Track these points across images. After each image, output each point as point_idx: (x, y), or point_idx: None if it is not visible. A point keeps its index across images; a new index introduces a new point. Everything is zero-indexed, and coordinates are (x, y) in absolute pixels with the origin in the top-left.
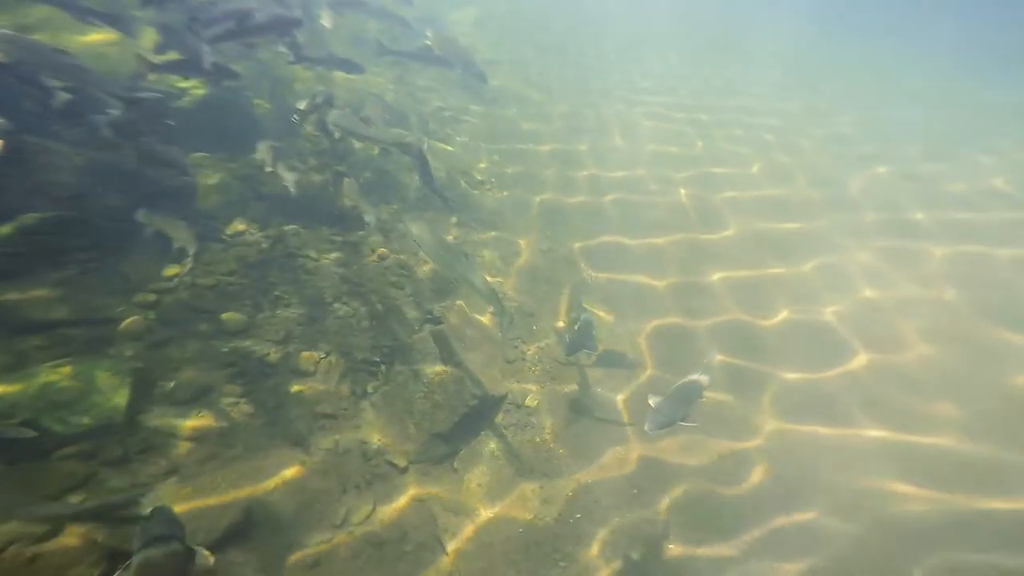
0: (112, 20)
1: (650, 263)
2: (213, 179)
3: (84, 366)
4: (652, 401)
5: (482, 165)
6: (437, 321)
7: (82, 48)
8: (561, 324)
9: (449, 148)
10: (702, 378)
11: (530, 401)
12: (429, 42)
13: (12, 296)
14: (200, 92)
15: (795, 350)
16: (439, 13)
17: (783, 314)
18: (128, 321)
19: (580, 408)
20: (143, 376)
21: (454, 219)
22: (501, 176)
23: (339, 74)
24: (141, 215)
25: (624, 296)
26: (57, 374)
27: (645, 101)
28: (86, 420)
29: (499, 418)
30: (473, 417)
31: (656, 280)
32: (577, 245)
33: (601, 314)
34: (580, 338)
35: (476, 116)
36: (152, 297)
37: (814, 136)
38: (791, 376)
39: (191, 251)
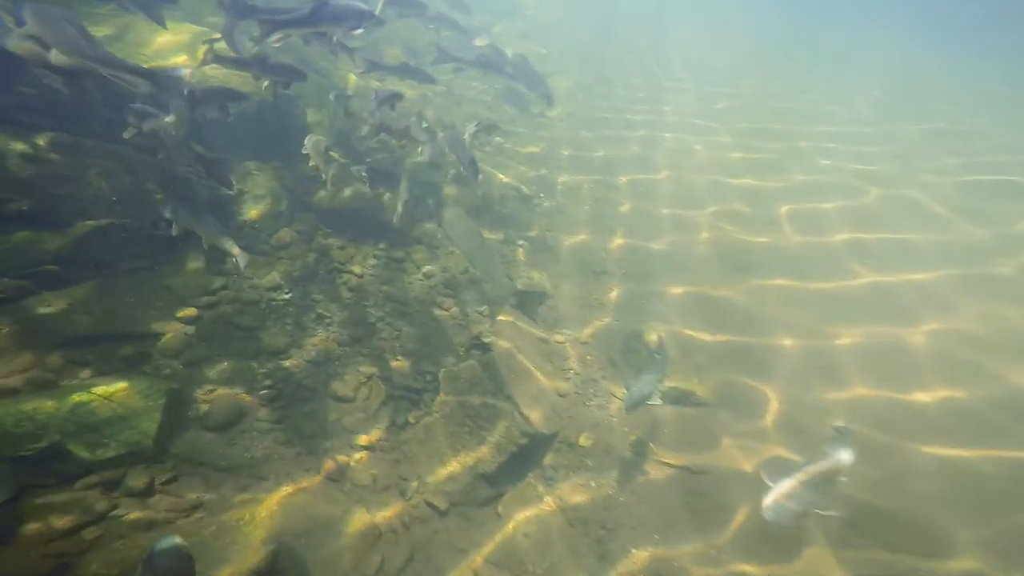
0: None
1: (754, 323)
2: (262, 188)
3: (119, 386)
4: (773, 480)
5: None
6: (485, 347)
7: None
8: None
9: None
10: (843, 457)
11: (584, 440)
12: (481, 46)
13: (57, 307)
14: (258, 99)
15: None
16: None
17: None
18: (167, 337)
19: (642, 451)
20: (177, 398)
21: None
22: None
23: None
24: (168, 212)
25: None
26: (90, 394)
27: (711, 128)
28: (112, 449)
29: (549, 458)
30: (521, 457)
31: (765, 338)
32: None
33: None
34: (644, 390)
35: (529, 139)
36: (194, 312)
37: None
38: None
39: (239, 259)
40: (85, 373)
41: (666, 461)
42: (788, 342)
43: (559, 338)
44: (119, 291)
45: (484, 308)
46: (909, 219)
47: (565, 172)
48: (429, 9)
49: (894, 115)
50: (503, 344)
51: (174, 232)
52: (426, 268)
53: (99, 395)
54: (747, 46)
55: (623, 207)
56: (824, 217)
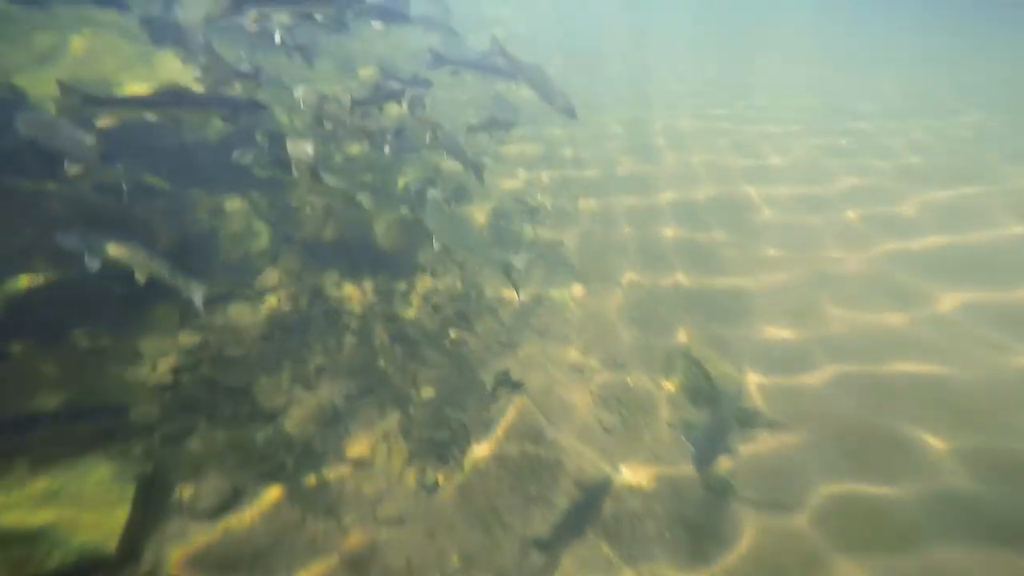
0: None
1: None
2: (239, 224)
3: (74, 475)
4: None
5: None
6: (515, 384)
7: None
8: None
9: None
10: None
11: (645, 482)
12: (497, 39)
13: None
14: (221, 125)
15: None
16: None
17: None
18: (139, 409)
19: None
20: (151, 484)
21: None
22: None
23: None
24: (72, 240)
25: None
26: (36, 487)
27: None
28: (54, 560)
29: (609, 508)
30: (575, 512)
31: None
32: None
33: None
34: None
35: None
36: (169, 376)
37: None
38: None
39: (197, 301)
40: (34, 462)
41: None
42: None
43: (594, 362)
44: (72, 360)
45: (504, 336)
46: None
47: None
48: (411, 20)
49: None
50: (536, 379)
51: (139, 278)
52: (434, 299)
53: (46, 490)
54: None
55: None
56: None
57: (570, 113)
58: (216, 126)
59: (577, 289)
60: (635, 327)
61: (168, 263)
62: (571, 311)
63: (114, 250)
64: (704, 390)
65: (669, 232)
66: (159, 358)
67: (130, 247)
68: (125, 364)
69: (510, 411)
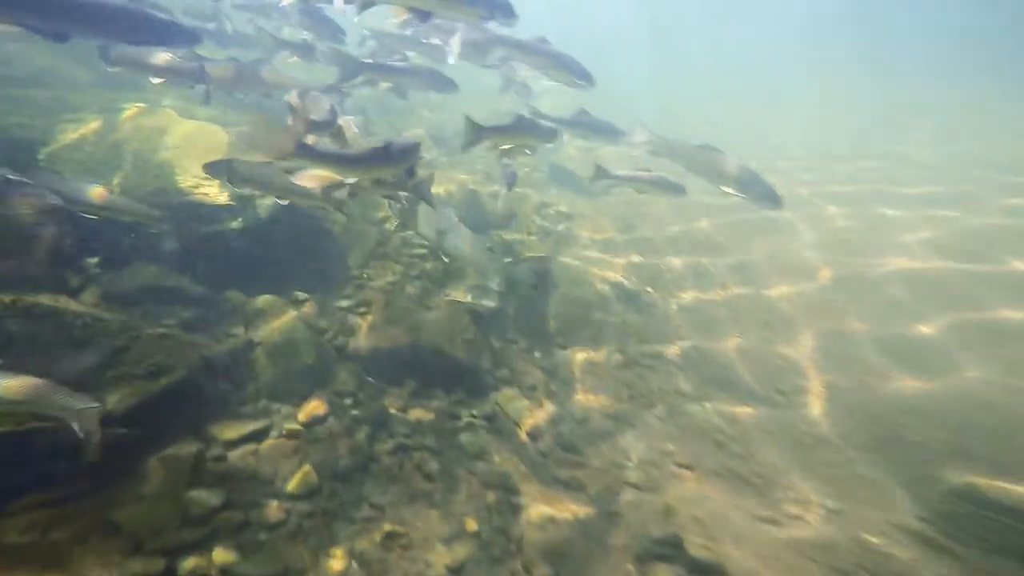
0: None
1: None
2: (279, 334)
3: None
4: None
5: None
6: (679, 546)
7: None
8: None
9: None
10: None
11: None
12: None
13: None
14: (269, 202)
15: None
16: None
17: None
18: None
19: None
20: None
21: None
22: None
23: None
24: None
25: None
26: None
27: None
28: None
29: None
30: None
31: None
32: None
33: None
34: None
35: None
36: (160, 564)
37: None
38: None
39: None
40: None
41: None
42: None
43: (794, 509)
44: (22, 543)
45: (640, 474)
46: None
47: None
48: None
49: None
50: (732, 558)
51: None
52: (529, 424)
53: None
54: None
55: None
56: None
57: (774, 201)
58: (265, 203)
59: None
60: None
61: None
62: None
63: None
64: None
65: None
66: (153, 537)
67: None
68: (102, 548)
69: None
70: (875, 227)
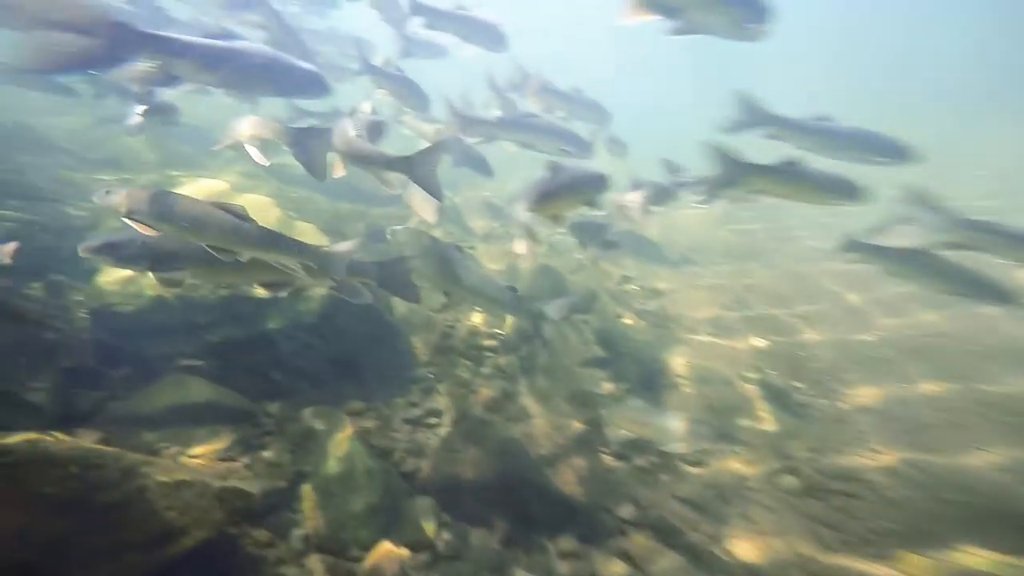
0: None
1: None
2: (337, 460)
3: None
4: None
5: None
6: None
7: None
8: None
9: None
10: None
11: None
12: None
13: None
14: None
15: None
16: None
17: None
18: None
19: None
20: None
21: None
22: None
23: None
24: None
25: None
26: None
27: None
28: None
29: None
30: None
31: None
32: None
33: None
34: None
35: None
36: None
37: None
38: None
39: None
40: None
41: None
42: None
43: None
44: None
45: None
46: None
47: None
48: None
49: None
50: None
51: None
52: None
53: None
54: None
55: None
56: None
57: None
58: (318, 294)
59: None
60: None
61: None
62: None
63: None
64: None
65: None
66: None
67: None
68: None
69: None
70: None
